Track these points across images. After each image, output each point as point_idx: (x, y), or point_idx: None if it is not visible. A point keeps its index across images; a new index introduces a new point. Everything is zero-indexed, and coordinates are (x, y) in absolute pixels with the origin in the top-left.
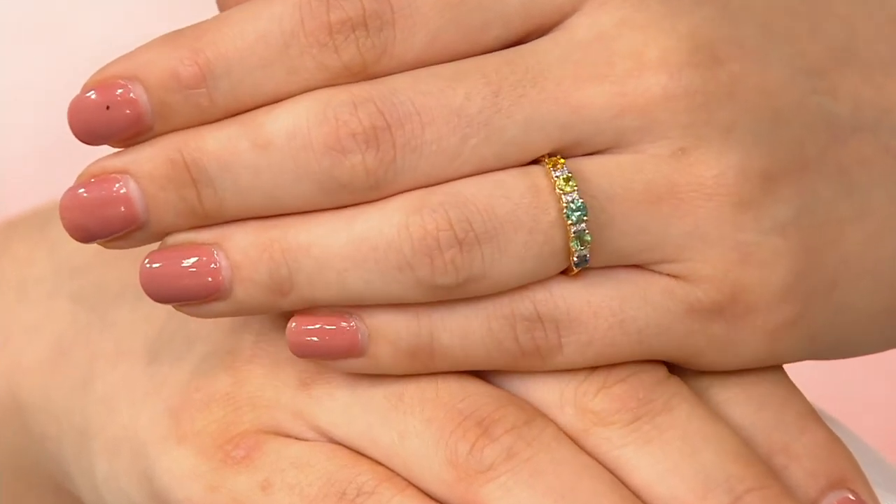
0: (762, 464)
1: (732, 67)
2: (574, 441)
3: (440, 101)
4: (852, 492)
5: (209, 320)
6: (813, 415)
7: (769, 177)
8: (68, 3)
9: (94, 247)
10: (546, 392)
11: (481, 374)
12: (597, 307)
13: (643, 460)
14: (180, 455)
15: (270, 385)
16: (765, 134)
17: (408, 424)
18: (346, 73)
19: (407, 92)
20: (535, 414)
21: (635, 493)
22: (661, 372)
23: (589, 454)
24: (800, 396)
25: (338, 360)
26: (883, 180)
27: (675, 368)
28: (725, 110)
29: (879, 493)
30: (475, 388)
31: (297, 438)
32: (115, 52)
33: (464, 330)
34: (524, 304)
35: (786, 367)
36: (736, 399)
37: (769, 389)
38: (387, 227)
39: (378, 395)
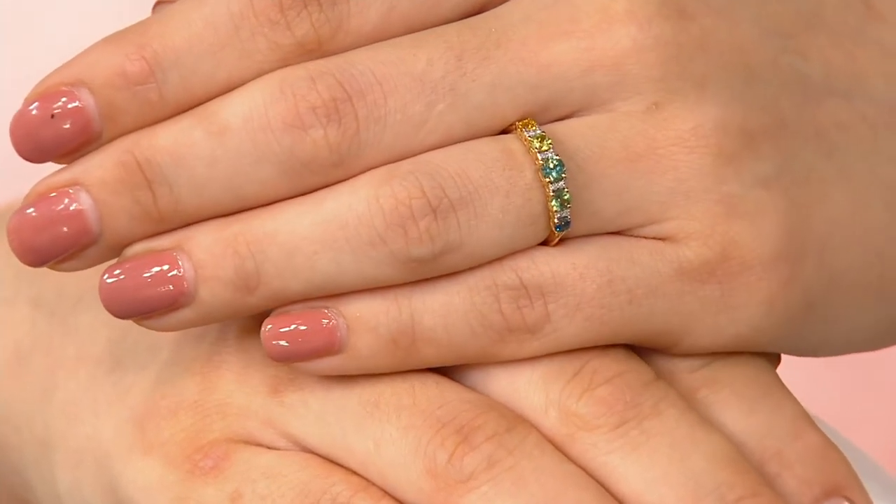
0: (754, 471)
1: (702, 21)
2: (558, 447)
3: (401, 69)
4: (848, 500)
5: None
6: (807, 419)
7: (748, 132)
8: (34, 2)
9: None
10: (530, 394)
11: (462, 379)
12: (582, 269)
13: (630, 468)
14: (146, 466)
15: (240, 392)
16: (739, 89)
17: (384, 432)
18: (300, 51)
19: (366, 62)
20: (517, 420)
21: (622, 503)
22: (648, 374)
23: (574, 461)
24: (793, 400)
25: (316, 360)
26: (860, 146)
27: (663, 372)
28: (698, 63)
29: (877, 502)
30: (454, 393)
31: (268, 447)
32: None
33: (446, 308)
34: (506, 273)
35: (780, 374)
36: (726, 402)
37: (761, 393)
38: (355, 202)
39: (353, 402)
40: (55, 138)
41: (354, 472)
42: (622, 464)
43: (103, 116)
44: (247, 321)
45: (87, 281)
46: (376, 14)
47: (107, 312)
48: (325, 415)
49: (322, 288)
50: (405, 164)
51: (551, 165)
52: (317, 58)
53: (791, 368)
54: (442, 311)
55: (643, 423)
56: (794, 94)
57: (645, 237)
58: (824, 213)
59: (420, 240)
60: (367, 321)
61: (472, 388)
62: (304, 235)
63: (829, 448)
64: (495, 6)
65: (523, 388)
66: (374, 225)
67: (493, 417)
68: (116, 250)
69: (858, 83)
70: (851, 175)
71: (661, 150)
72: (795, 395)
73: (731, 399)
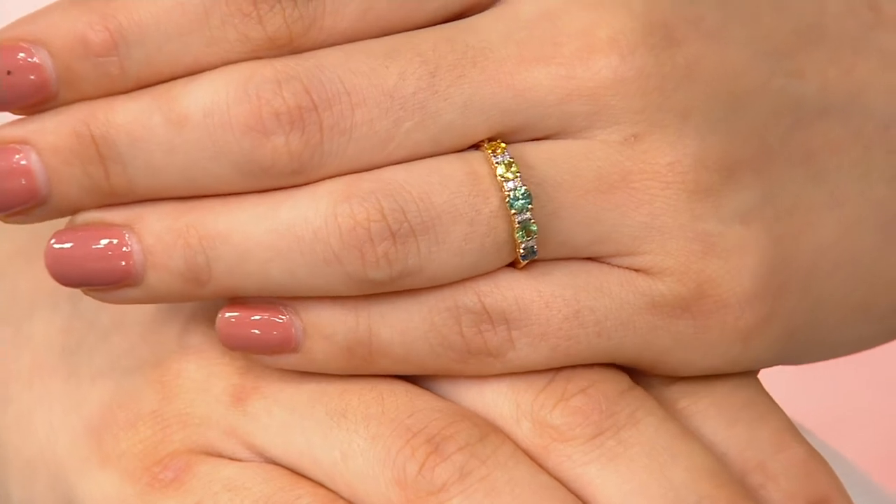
0: (736, 483)
1: (690, 48)
2: (533, 459)
3: (372, 81)
4: None
5: (133, 331)
6: (791, 430)
7: (729, 164)
8: None
9: (5, 251)
10: (500, 404)
11: (431, 387)
12: (549, 297)
13: (608, 479)
14: (103, 479)
15: (201, 401)
16: (724, 119)
17: (351, 442)
18: (270, 45)
19: (336, 70)
20: (490, 430)
21: None
22: (625, 382)
23: (549, 473)
24: (777, 410)
25: (271, 355)
26: (853, 168)
27: (640, 378)
28: (682, 94)
29: None
30: (424, 402)
31: (230, 459)
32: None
33: (405, 325)
34: (468, 296)
35: (764, 382)
36: (707, 412)
37: (743, 402)
38: (313, 216)
39: (319, 411)
40: (11, 91)
41: (321, 485)
42: (599, 475)
43: (61, 80)
44: (207, 329)
45: (40, 285)
46: (352, 13)
47: (61, 320)
48: (289, 424)
49: (274, 292)
50: (367, 182)
51: (518, 196)
52: (287, 53)
53: (776, 375)
54: (401, 328)
55: (620, 432)
56: (783, 119)
57: (618, 266)
58: (810, 242)
59: (377, 264)
60: (323, 328)
61: (443, 397)
62: (259, 241)
63: (814, 459)
64: (476, 13)
65: (492, 398)
66: (329, 243)
67: (466, 427)
68: (66, 213)
69: (856, 98)
70: (841, 198)
71: (636, 184)
72: (776, 398)
73: (711, 410)
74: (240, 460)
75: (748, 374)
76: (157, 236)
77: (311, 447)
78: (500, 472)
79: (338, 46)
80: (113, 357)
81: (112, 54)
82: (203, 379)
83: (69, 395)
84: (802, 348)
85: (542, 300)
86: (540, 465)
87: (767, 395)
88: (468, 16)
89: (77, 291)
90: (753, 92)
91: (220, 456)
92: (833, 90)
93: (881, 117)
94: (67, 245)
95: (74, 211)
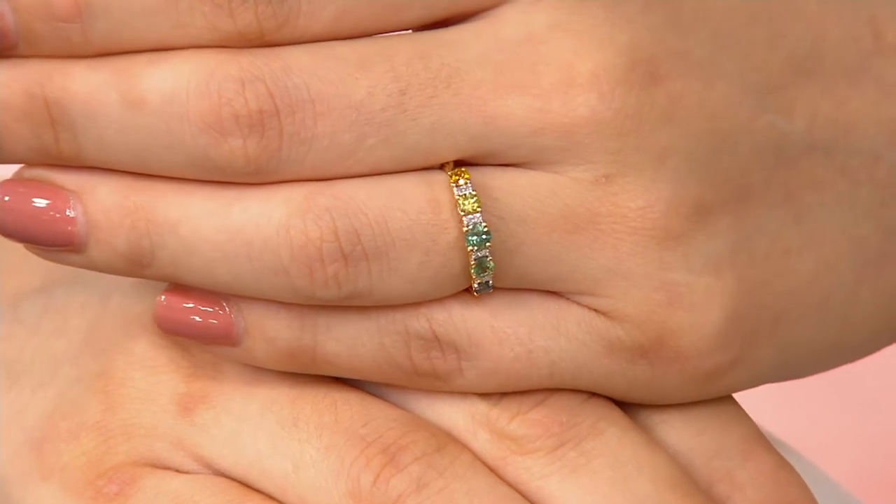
0: (702, 494)
1: (673, 86)
2: (492, 470)
3: (339, 91)
4: None
5: (76, 338)
6: (759, 438)
7: (703, 209)
8: None
9: None
10: (454, 415)
11: (386, 395)
12: (502, 334)
13: (570, 492)
14: (46, 493)
15: (147, 411)
16: (703, 161)
17: (303, 453)
18: (239, 38)
19: (303, 75)
20: (448, 440)
21: None
22: (585, 391)
23: (508, 484)
24: (744, 417)
25: (211, 345)
26: (836, 205)
27: None
28: (660, 136)
29: None
30: (379, 410)
31: (177, 471)
32: None
33: (353, 340)
34: (420, 322)
35: (743, 402)
36: (672, 421)
37: (710, 410)
38: (265, 224)
39: (270, 421)
40: None
41: (271, 497)
42: (560, 488)
43: (21, 36)
44: (154, 337)
45: None
46: (328, 16)
47: (2, 326)
48: (239, 434)
49: (217, 289)
50: (324, 197)
51: (476, 232)
52: (258, 46)
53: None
54: (348, 343)
55: (582, 443)
56: (766, 159)
57: (578, 304)
58: (782, 287)
59: (325, 284)
60: (266, 331)
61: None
62: (207, 238)
63: (783, 469)
64: (456, 23)
65: (445, 410)
66: (279, 254)
67: (423, 436)
68: (14, 163)
69: (845, 133)
70: (819, 238)
71: (603, 226)
72: (747, 409)
73: (677, 417)
74: (187, 472)
75: None
76: (104, 212)
77: (261, 458)
78: (458, 484)
79: (309, 47)
80: (55, 365)
81: (75, 21)
82: (149, 388)
83: (9, 406)
84: (771, 380)
85: (496, 336)
86: (499, 477)
87: (735, 401)
88: (448, 24)
89: (19, 295)
90: (737, 131)
91: (167, 468)
92: (821, 126)
93: (870, 150)
94: (8, 198)
95: (19, 163)
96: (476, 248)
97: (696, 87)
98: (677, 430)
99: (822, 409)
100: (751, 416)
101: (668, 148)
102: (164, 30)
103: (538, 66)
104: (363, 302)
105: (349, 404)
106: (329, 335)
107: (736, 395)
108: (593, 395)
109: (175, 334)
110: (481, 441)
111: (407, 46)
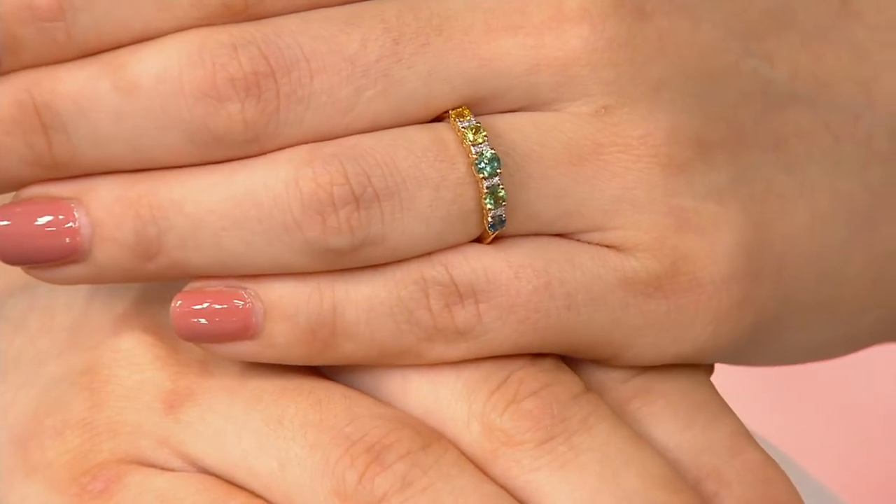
0: (690, 490)
1: (661, 22)
2: (481, 464)
3: (332, 47)
4: None
5: (61, 335)
6: (745, 435)
7: (702, 142)
8: None
9: None
10: (452, 405)
11: (380, 387)
12: (518, 267)
13: (557, 486)
14: (30, 489)
15: (132, 408)
16: (697, 96)
17: (289, 451)
18: (225, 12)
19: (295, 35)
20: (433, 437)
21: None
22: (578, 386)
23: (496, 480)
24: (731, 415)
25: (229, 343)
26: (823, 159)
27: (592, 376)
28: (654, 67)
29: None
30: (364, 409)
31: (162, 468)
32: None
33: (370, 301)
34: (436, 268)
35: (722, 391)
36: (660, 416)
37: (697, 406)
38: (273, 182)
39: (255, 419)
40: None
41: (257, 495)
42: (548, 482)
43: (5, 48)
44: (140, 332)
45: None
46: None
47: None
48: (224, 432)
49: (228, 266)
50: (330, 146)
51: (486, 160)
52: (243, 20)
53: (732, 385)
54: (366, 305)
55: (572, 437)
56: (754, 103)
57: (588, 243)
58: (783, 229)
59: (339, 230)
60: (286, 308)
61: (390, 399)
62: (213, 209)
63: (769, 466)
64: None
65: (446, 398)
66: (290, 209)
67: (407, 434)
68: (6, 189)
69: (825, 89)
70: (812, 190)
71: (607, 156)
72: (737, 413)
73: (665, 412)
74: (172, 470)
75: (702, 377)
76: (106, 207)
77: (246, 456)
78: (443, 482)
79: (297, 13)
80: (40, 363)
81: (58, 19)
82: (134, 385)
83: None
84: (766, 344)
85: (511, 270)
86: (488, 471)
87: (721, 398)
88: None
89: (3, 293)
90: (725, 71)
91: (152, 466)
92: (802, 78)
93: (850, 109)
94: (8, 222)
95: (15, 187)
96: (487, 176)
97: (683, 25)
98: (665, 425)
99: (809, 412)
100: (738, 417)
101: (661, 80)
102: (149, 13)
103: (527, 6)
104: (376, 251)
105: (334, 402)
106: (348, 300)
107: (724, 396)
108: (586, 391)
109: (194, 339)
110: (473, 433)
111: (395, 2)
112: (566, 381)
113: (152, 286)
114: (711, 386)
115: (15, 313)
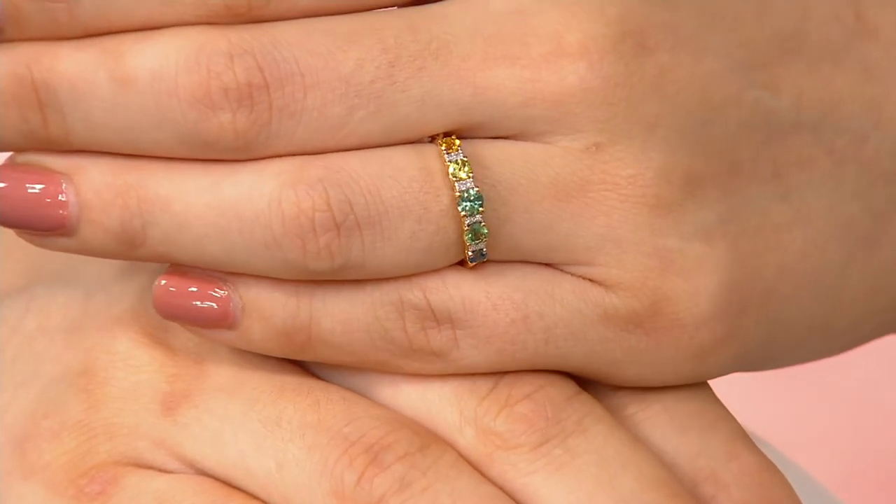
0: (687, 493)
1: (662, 58)
2: (477, 467)
3: (329, 64)
4: None
5: (58, 337)
6: (743, 438)
7: (693, 179)
8: None
9: None
10: (443, 410)
11: (371, 391)
12: (496, 299)
13: (554, 489)
14: (27, 491)
15: (129, 410)
16: (693, 132)
17: (286, 452)
18: (227, 13)
19: (292, 48)
20: (431, 439)
21: None
22: (572, 387)
23: (493, 482)
24: (729, 417)
25: (208, 329)
26: (822, 184)
27: (589, 382)
28: (650, 105)
29: None
30: (362, 409)
31: (160, 470)
32: None
33: (347, 315)
34: (413, 292)
35: (717, 392)
36: (657, 419)
37: (695, 408)
38: (257, 197)
39: (252, 420)
40: None
41: (255, 497)
42: (545, 485)
43: (7, 17)
44: (137, 334)
45: None
46: None
47: None
48: (222, 434)
49: (209, 266)
50: (316, 168)
51: (469, 198)
52: (246, 22)
53: (732, 386)
54: (342, 318)
55: (567, 440)
56: (754, 134)
57: (571, 274)
58: (774, 261)
59: (318, 255)
60: (263, 309)
61: (382, 403)
62: (198, 214)
63: (768, 469)
64: None
65: (435, 403)
66: (271, 227)
67: (406, 435)
68: (2, 150)
69: (831, 112)
70: (808, 216)
71: (594, 194)
72: (735, 414)
73: (662, 416)
74: (170, 472)
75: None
76: (95, 192)
77: (244, 457)
78: (442, 484)
79: (297, 22)
80: (37, 364)
81: (61, 0)
82: (131, 387)
83: None
84: (756, 363)
85: (490, 302)
86: (483, 474)
87: (719, 401)
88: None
89: (0, 294)
90: (725, 104)
91: (150, 467)
92: (808, 104)
93: (857, 131)
94: (2, 184)
95: (10, 150)
96: (469, 214)
97: (685, 60)
98: (663, 428)
99: (806, 410)
100: (735, 416)
101: (657, 118)
102: (152, 5)
103: (527, 37)
104: (356, 274)
105: (332, 403)
106: (325, 311)
107: (720, 396)
108: (580, 391)
109: (173, 319)
110: (467, 437)
111: (396, 20)
112: (560, 383)
113: (149, 289)
114: (709, 389)
115: (12, 314)
